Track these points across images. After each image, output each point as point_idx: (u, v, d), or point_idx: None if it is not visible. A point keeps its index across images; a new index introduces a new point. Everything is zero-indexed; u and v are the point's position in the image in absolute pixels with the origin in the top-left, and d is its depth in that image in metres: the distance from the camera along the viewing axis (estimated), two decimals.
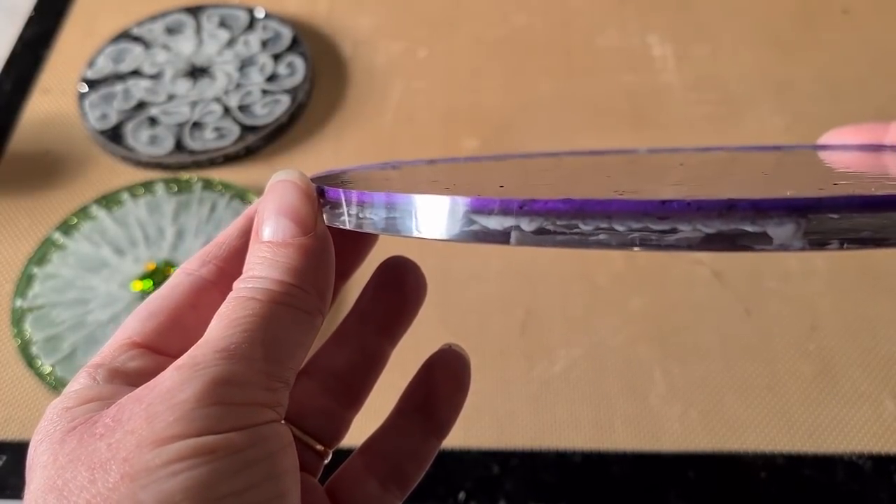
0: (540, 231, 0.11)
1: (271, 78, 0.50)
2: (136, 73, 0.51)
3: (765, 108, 0.49)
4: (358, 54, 0.52)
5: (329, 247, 0.16)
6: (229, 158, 0.47)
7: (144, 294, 0.41)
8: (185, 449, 0.12)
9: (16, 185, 0.47)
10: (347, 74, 0.51)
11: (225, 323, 0.14)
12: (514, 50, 0.52)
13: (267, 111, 0.48)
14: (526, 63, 0.51)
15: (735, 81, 0.50)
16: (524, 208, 0.11)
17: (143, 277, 0.41)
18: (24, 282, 0.41)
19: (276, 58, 0.51)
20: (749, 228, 0.10)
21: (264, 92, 0.49)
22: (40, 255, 0.42)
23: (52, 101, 0.51)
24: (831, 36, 0.52)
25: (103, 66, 0.51)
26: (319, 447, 0.19)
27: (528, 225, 0.11)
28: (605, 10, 0.54)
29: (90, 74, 0.51)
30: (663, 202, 0.11)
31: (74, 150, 0.48)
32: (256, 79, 0.50)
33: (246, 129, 0.47)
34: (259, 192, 0.45)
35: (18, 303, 0.40)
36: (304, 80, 0.49)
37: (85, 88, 0.50)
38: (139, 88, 0.50)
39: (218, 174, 0.46)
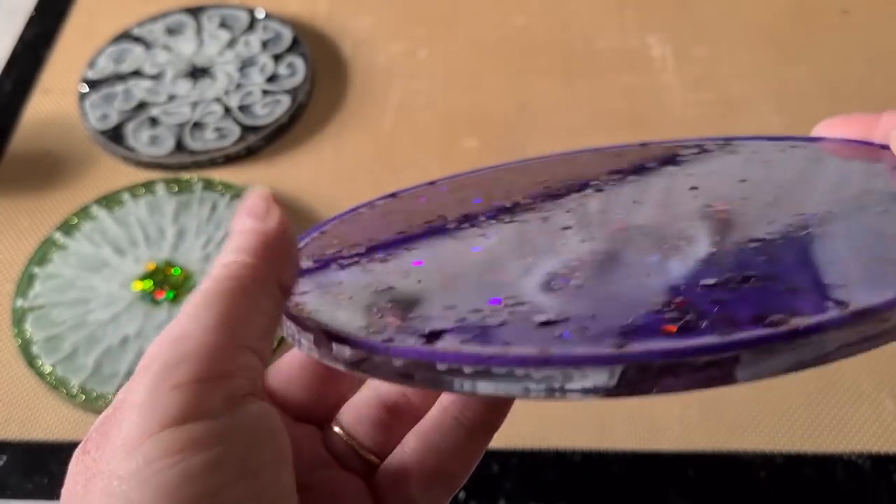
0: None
1: (272, 78, 0.50)
2: (136, 73, 0.51)
3: (763, 108, 0.49)
4: (358, 55, 0.53)
5: (281, 224, 0.15)
6: (230, 158, 0.47)
7: (145, 294, 0.41)
8: (154, 450, 0.12)
9: (16, 185, 0.47)
10: (347, 75, 0.52)
11: (182, 309, 0.14)
12: (513, 50, 0.52)
13: (267, 111, 0.48)
14: (525, 63, 0.52)
15: (734, 82, 0.50)
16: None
17: (144, 277, 0.41)
18: (25, 282, 0.41)
19: (277, 58, 0.51)
20: (574, 373, 0.12)
21: (265, 92, 0.49)
22: (41, 255, 0.42)
23: (52, 101, 0.51)
24: (830, 36, 0.52)
25: (104, 66, 0.51)
26: (374, 459, 0.18)
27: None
28: (604, 11, 0.54)
29: (91, 75, 0.51)
30: (491, 357, 0.12)
31: (75, 151, 0.48)
32: (257, 79, 0.50)
33: (246, 130, 0.47)
34: None
35: (19, 303, 0.40)
36: (305, 80, 0.49)
37: (86, 89, 0.50)
38: (140, 89, 0.50)
39: (218, 174, 0.46)
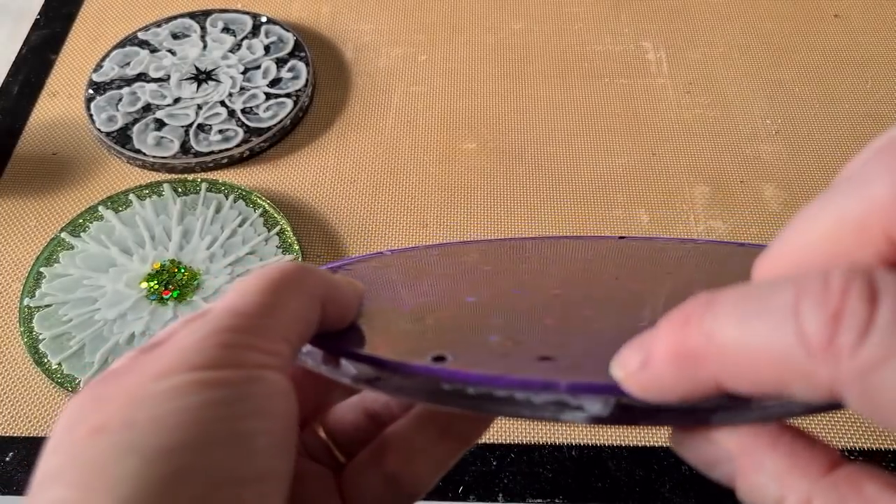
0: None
1: (275, 82, 0.51)
2: (142, 76, 0.52)
3: (757, 110, 0.50)
4: (359, 59, 0.53)
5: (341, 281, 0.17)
6: (234, 160, 0.48)
7: (151, 293, 0.41)
8: (183, 380, 0.13)
9: (24, 186, 0.47)
10: (349, 79, 0.52)
11: (237, 289, 0.15)
12: (511, 55, 0.53)
13: (270, 114, 0.49)
14: (523, 68, 0.52)
15: (727, 85, 0.51)
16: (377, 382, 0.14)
17: (150, 277, 0.42)
18: (33, 281, 0.42)
19: (280, 62, 0.52)
20: (570, 401, 0.13)
21: (268, 95, 0.50)
22: (48, 255, 0.43)
23: (59, 104, 0.52)
24: (822, 40, 0.53)
25: (110, 69, 0.52)
26: (341, 457, 0.19)
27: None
28: (600, 17, 0.55)
29: (97, 78, 0.51)
30: (495, 378, 0.13)
31: (82, 153, 0.49)
32: (260, 83, 0.51)
33: (250, 132, 0.48)
34: (263, 193, 0.46)
35: (27, 301, 0.41)
36: (307, 84, 0.50)
37: (92, 92, 0.51)
38: (145, 92, 0.51)
39: (223, 176, 0.47)
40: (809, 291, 0.10)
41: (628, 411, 0.12)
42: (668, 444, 0.35)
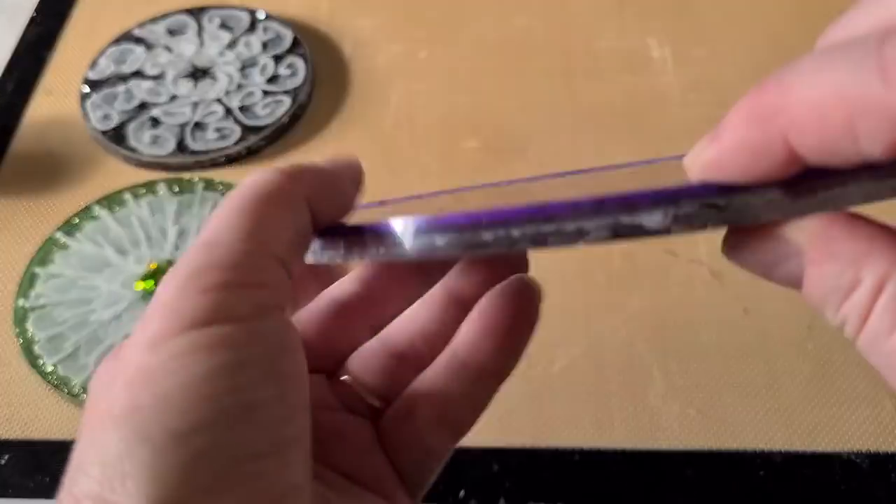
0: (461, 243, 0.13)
1: (272, 79, 0.50)
2: (138, 74, 0.51)
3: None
4: (358, 56, 0.53)
5: (314, 166, 0.16)
6: (231, 159, 0.47)
7: (147, 293, 0.41)
8: (180, 347, 0.12)
9: (18, 185, 0.47)
10: (348, 76, 0.52)
11: (209, 220, 0.14)
12: (514, 52, 0.53)
13: (268, 112, 0.48)
14: (526, 64, 0.52)
15: (733, 83, 0.50)
16: (432, 225, 0.13)
17: (146, 277, 0.41)
18: (27, 282, 0.41)
19: (277, 59, 0.51)
20: (625, 220, 0.12)
21: (265, 93, 0.49)
22: (42, 255, 0.42)
23: (54, 102, 0.51)
24: None
25: (105, 67, 0.51)
26: (379, 404, 0.18)
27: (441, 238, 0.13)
28: (604, 13, 0.54)
29: (92, 75, 0.51)
30: (542, 207, 0.12)
31: (77, 151, 0.48)
32: (258, 80, 0.50)
33: (247, 130, 0.47)
34: None
35: (21, 302, 0.41)
36: (305, 81, 0.50)
37: (87, 89, 0.50)
38: (141, 89, 0.50)
39: (220, 175, 0.46)
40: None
41: (689, 218, 0.12)
42: (672, 447, 0.35)
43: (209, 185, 0.45)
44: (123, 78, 0.51)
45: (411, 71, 0.52)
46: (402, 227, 0.14)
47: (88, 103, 0.49)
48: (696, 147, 0.12)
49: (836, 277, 0.11)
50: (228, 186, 0.45)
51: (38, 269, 0.42)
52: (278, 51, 0.51)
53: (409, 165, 0.47)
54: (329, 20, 0.55)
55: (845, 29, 0.12)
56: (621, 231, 0.12)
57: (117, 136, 0.48)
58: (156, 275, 0.41)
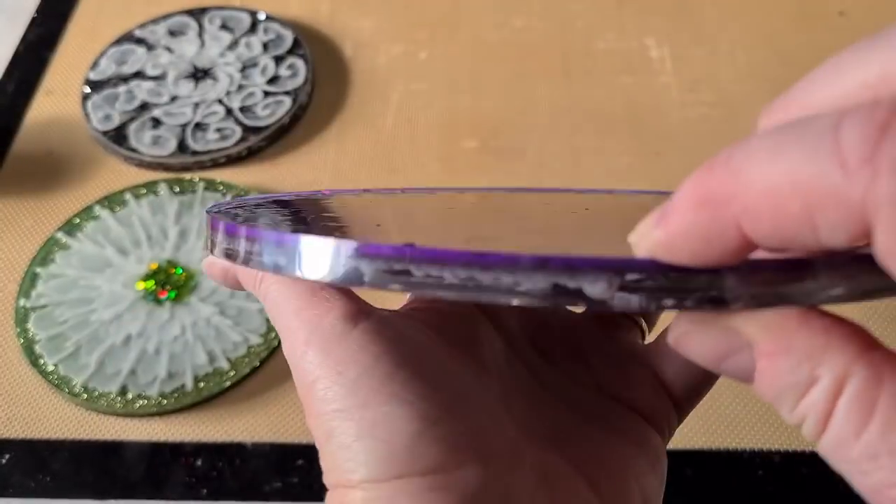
0: (384, 273, 0.12)
1: (273, 80, 0.50)
2: (138, 74, 0.51)
3: (760, 109, 0.49)
4: (358, 56, 0.53)
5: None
6: (231, 159, 0.47)
7: (147, 293, 0.41)
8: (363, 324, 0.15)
9: (20, 185, 0.47)
10: (348, 76, 0.52)
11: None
12: (513, 52, 0.53)
13: (269, 112, 0.48)
14: (525, 65, 0.52)
15: (731, 83, 0.50)
16: (360, 252, 0.12)
17: (147, 277, 0.41)
18: (28, 281, 0.41)
19: (278, 60, 0.51)
20: (567, 283, 0.11)
21: (266, 93, 0.49)
22: (44, 255, 0.42)
23: (55, 102, 0.51)
24: (827, 38, 0.52)
25: (106, 67, 0.51)
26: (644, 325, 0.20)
27: (368, 267, 0.12)
28: (603, 13, 0.54)
29: (93, 76, 0.51)
30: (482, 254, 0.11)
31: (78, 151, 0.49)
32: (258, 80, 0.50)
33: (248, 131, 0.48)
34: (261, 192, 0.46)
35: (22, 302, 0.41)
36: (306, 81, 0.50)
37: (88, 90, 0.50)
38: (142, 90, 0.50)
39: (220, 175, 0.47)
40: (855, 112, 0.09)
41: (635, 290, 0.11)
42: (671, 447, 0.35)
43: (210, 185, 0.45)
44: (124, 78, 0.51)
45: (411, 72, 0.52)
46: (328, 249, 0.13)
47: (89, 104, 0.49)
48: (642, 225, 0.11)
49: (791, 373, 0.10)
50: (229, 186, 0.45)
51: (39, 269, 0.42)
52: (279, 51, 0.52)
53: (409, 165, 0.47)
54: (329, 21, 0.55)
55: (796, 103, 0.11)
56: (560, 294, 0.11)
57: (118, 136, 0.48)
58: (156, 275, 0.42)
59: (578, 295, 0.11)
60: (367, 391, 0.14)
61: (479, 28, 0.54)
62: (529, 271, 0.11)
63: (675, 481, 0.35)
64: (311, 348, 0.15)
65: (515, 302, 0.11)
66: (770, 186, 0.09)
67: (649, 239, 0.11)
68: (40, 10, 0.56)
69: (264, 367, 0.38)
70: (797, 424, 0.11)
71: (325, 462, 0.15)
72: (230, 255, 0.14)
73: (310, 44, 0.53)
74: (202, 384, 0.38)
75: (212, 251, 0.15)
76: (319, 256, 0.13)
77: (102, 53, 0.52)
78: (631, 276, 0.11)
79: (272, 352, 0.38)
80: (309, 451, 0.36)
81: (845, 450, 0.10)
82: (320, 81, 0.52)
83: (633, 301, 0.11)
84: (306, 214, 0.19)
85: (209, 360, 0.38)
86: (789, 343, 0.11)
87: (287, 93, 0.49)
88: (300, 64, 0.51)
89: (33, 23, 0.56)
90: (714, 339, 0.11)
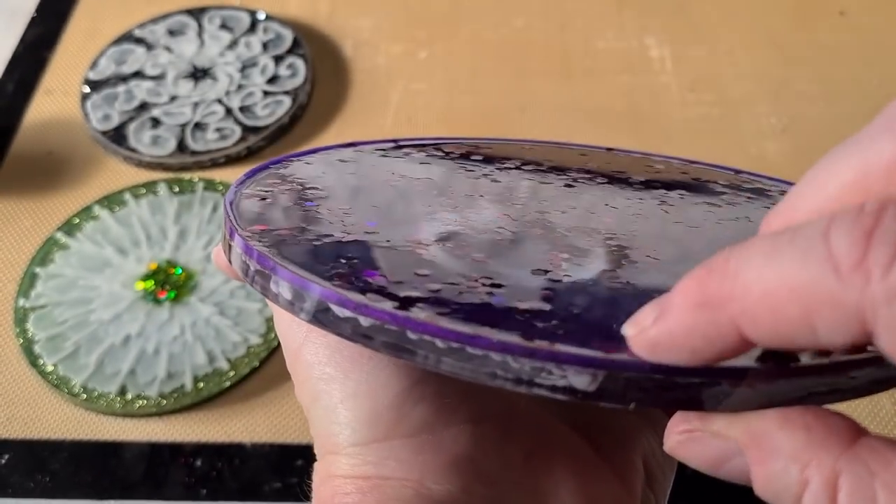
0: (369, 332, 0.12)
1: (272, 79, 0.50)
2: (138, 74, 0.51)
3: (761, 108, 0.49)
4: (358, 56, 0.53)
5: None
6: (231, 159, 0.47)
7: (147, 293, 0.41)
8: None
9: (19, 185, 0.47)
10: (348, 76, 0.52)
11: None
12: (513, 52, 0.53)
13: (268, 112, 0.48)
14: (525, 64, 0.52)
15: (732, 82, 0.50)
16: (358, 310, 0.12)
17: (146, 277, 0.41)
18: (27, 281, 0.41)
19: (278, 59, 0.51)
20: (554, 370, 0.11)
21: (265, 93, 0.49)
22: (43, 255, 0.42)
23: (54, 102, 0.51)
24: (828, 37, 0.52)
25: (106, 67, 0.51)
26: None
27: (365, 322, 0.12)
28: (603, 13, 0.54)
29: (93, 76, 0.51)
30: (471, 337, 0.12)
31: (77, 151, 0.48)
32: (258, 80, 0.50)
33: (247, 130, 0.47)
34: None
35: (21, 302, 0.41)
36: (305, 81, 0.50)
37: (87, 89, 0.50)
38: (141, 90, 0.50)
39: (220, 175, 0.46)
40: (841, 218, 0.10)
41: (621, 385, 0.11)
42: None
43: (209, 185, 0.45)
44: (124, 78, 0.51)
45: (411, 71, 0.52)
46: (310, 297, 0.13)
47: (89, 103, 0.49)
48: (637, 318, 0.11)
49: (782, 477, 0.10)
50: (228, 187, 0.45)
51: (38, 269, 0.42)
52: (278, 51, 0.51)
53: None
54: (329, 21, 0.55)
55: (789, 211, 0.11)
56: (539, 385, 0.11)
57: (118, 136, 0.48)
58: (156, 275, 0.41)
59: (564, 388, 0.11)
60: (351, 351, 0.14)
61: (479, 27, 0.54)
62: (521, 358, 0.11)
63: (675, 481, 0.35)
64: None
65: (496, 384, 0.12)
66: (767, 291, 0.10)
67: (646, 336, 0.11)
68: (39, 10, 0.56)
69: (264, 368, 0.38)
70: None
71: (312, 430, 0.15)
72: (244, 270, 0.14)
73: (309, 43, 0.53)
74: (201, 384, 0.37)
75: (229, 259, 0.15)
76: (326, 313, 0.13)
77: (102, 53, 0.52)
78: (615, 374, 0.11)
79: (272, 352, 0.38)
80: (308, 451, 0.36)
81: None
82: (320, 81, 0.51)
83: (613, 395, 0.11)
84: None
85: (208, 360, 0.38)
86: (772, 445, 0.11)
87: (287, 92, 0.49)
88: (300, 63, 0.51)
89: (32, 22, 0.56)
90: (708, 448, 0.11)
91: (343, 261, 0.14)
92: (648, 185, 0.21)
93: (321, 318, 0.13)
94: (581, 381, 0.11)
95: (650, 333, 0.11)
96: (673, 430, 0.12)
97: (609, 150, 0.22)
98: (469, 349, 0.12)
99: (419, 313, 0.12)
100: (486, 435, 0.15)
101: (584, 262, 0.15)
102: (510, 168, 0.20)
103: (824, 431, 0.10)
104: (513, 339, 0.12)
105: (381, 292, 0.13)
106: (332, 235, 0.15)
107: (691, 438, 0.12)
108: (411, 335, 0.12)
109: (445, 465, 0.14)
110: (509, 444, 0.15)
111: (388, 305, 0.12)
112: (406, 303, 0.13)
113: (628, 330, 0.11)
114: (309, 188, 0.18)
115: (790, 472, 0.10)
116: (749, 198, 0.20)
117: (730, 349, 0.10)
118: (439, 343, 0.12)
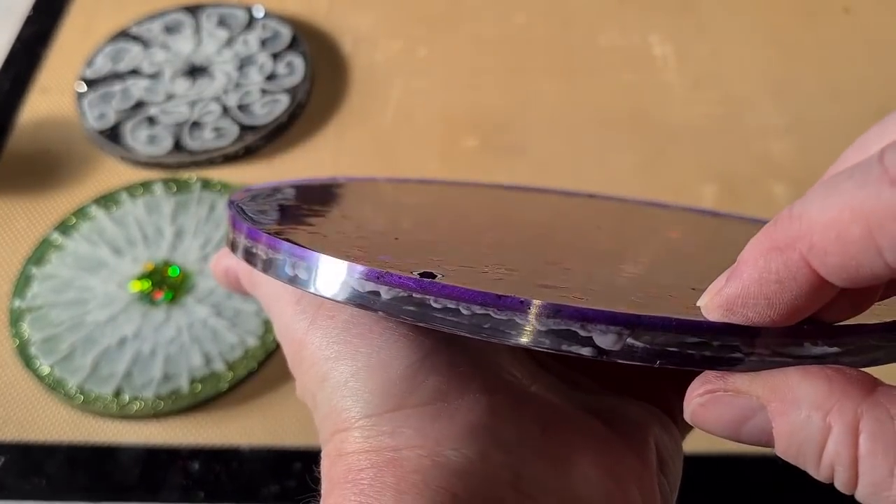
0: (395, 301, 0.12)
1: (270, 77, 0.49)
2: (134, 72, 0.50)
3: (765, 106, 0.48)
4: (357, 53, 0.52)
5: None
6: (228, 158, 0.47)
7: (143, 294, 0.40)
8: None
9: (14, 185, 0.46)
10: (347, 73, 0.51)
11: None
12: (514, 49, 0.52)
13: (266, 111, 0.48)
14: (526, 62, 0.51)
15: (735, 81, 0.50)
16: (380, 279, 0.12)
17: (142, 277, 0.41)
18: (23, 282, 0.41)
19: (276, 57, 0.51)
20: (578, 331, 0.11)
21: (263, 91, 0.49)
22: (38, 256, 0.42)
23: (50, 100, 0.51)
24: (832, 35, 0.52)
25: (102, 65, 0.51)
26: None
27: (386, 294, 0.12)
28: (605, 10, 0.54)
29: (89, 74, 0.50)
30: (499, 296, 0.12)
31: (73, 150, 0.48)
32: (255, 78, 0.50)
33: (245, 129, 0.47)
34: None
35: (17, 303, 0.40)
36: (304, 79, 0.49)
37: (83, 88, 0.50)
38: (138, 88, 0.50)
39: (217, 174, 0.46)
40: (892, 144, 0.10)
41: (645, 340, 0.11)
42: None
43: (206, 184, 0.45)
44: (120, 76, 0.50)
45: (411, 68, 0.51)
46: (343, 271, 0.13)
47: (85, 102, 0.49)
48: (711, 287, 0.11)
49: (805, 426, 0.11)
50: (226, 186, 0.45)
51: (33, 270, 0.41)
52: (276, 49, 0.51)
53: (409, 164, 0.47)
54: (327, 17, 0.54)
55: (842, 166, 0.12)
56: (570, 340, 0.11)
57: (114, 135, 0.47)
58: (152, 275, 0.41)
59: (588, 342, 0.11)
60: (361, 329, 0.14)
61: (479, 24, 0.54)
62: (543, 317, 0.11)
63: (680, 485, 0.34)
64: (301, 304, 0.15)
65: (527, 343, 0.12)
66: (831, 219, 0.10)
67: (724, 294, 0.11)
68: (35, 8, 0.56)
69: (261, 370, 0.38)
70: (829, 480, 0.11)
71: (320, 412, 0.15)
72: (250, 259, 0.14)
73: (308, 40, 0.52)
74: (198, 386, 0.37)
75: (233, 250, 0.15)
76: (337, 277, 0.13)
77: (98, 51, 0.52)
78: (637, 334, 0.11)
79: (269, 354, 0.38)
80: (306, 454, 0.36)
81: (886, 491, 0.10)
82: (318, 79, 0.51)
83: (637, 353, 0.11)
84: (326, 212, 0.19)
85: (205, 362, 0.38)
86: (795, 396, 0.11)
87: (285, 90, 0.49)
88: (298, 61, 0.50)
89: (28, 20, 0.55)
90: (729, 408, 0.12)
91: (357, 248, 0.14)
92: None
93: (343, 291, 0.13)
94: (606, 340, 0.11)
95: (725, 292, 0.11)
96: (694, 394, 0.12)
97: (591, 196, 0.23)
98: (494, 312, 0.12)
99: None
100: (501, 404, 0.14)
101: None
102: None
103: (844, 381, 0.11)
104: (537, 300, 0.12)
105: (401, 266, 0.13)
106: (342, 233, 0.16)
107: (713, 399, 0.12)
108: (435, 301, 0.12)
109: (462, 431, 0.14)
110: (526, 415, 0.15)
111: (411, 274, 0.12)
112: (426, 276, 0.13)
113: (702, 300, 0.12)
114: (305, 208, 0.19)
115: (813, 420, 0.11)
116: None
117: (805, 294, 0.10)
118: (463, 309, 0.12)
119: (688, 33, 0.52)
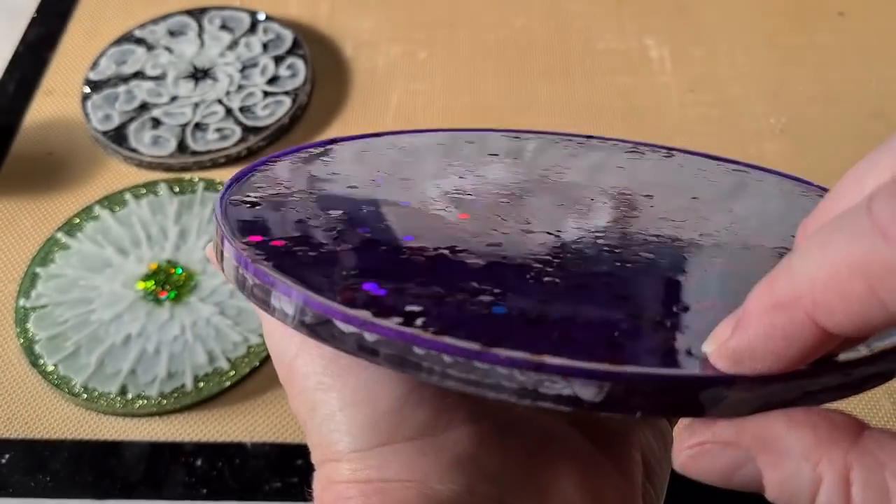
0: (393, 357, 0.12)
1: (272, 80, 0.50)
2: (138, 74, 0.51)
3: (760, 109, 0.49)
4: (358, 56, 0.53)
5: None
6: (231, 159, 0.47)
7: (147, 293, 0.41)
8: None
9: (19, 186, 0.47)
10: (348, 76, 0.52)
11: None
12: (513, 52, 0.53)
13: (268, 112, 0.48)
14: (525, 65, 0.52)
15: (731, 83, 0.50)
16: (365, 326, 0.12)
17: (146, 277, 0.41)
18: (28, 281, 0.41)
19: (278, 60, 0.51)
20: (559, 386, 0.11)
21: (266, 94, 0.49)
22: (44, 255, 0.42)
23: (55, 102, 0.51)
24: (827, 38, 0.52)
25: (106, 67, 0.51)
26: None
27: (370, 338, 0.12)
28: (602, 13, 0.54)
29: (93, 76, 0.51)
30: (478, 353, 0.12)
31: (78, 152, 0.49)
32: (258, 81, 0.50)
33: (248, 131, 0.48)
34: None
35: (22, 302, 0.41)
36: (305, 81, 0.50)
37: (88, 90, 0.50)
38: (142, 90, 0.50)
39: (220, 175, 0.47)
40: (879, 190, 0.10)
41: (627, 394, 0.11)
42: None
43: (210, 185, 0.45)
44: (124, 78, 0.51)
45: (411, 71, 0.52)
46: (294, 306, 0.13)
47: (89, 104, 0.49)
48: (715, 334, 0.12)
49: (795, 477, 0.11)
50: None
51: (39, 269, 0.42)
52: (279, 52, 0.52)
53: None
54: (329, 21, 0.55)
55: (824, 214, 0.12)
56: (545, 397, 0.11)
57: (118, 136, 0.48)
58: (156, 275, 0.42)
59: (569, 398, 0.11)
60: (349, 360, 0.14)
61: (478, 28, 0.54)
62: (529, 373, 0.11)
63: (674, 481, 0.35)
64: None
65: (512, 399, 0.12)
66: (829, 275, 0.10)
67: (727, 348, 0.11)
68: (40, 10, 0.56)
69: (264, 367, 0.38)
70: None
71: (310, 439, 0.15)
72: (239, 282, 0.14)
73: (309, 44, 0.53)
74: (202, 384, 0.38)
75: (221, 268, 0.15)
76: (322, 324, 0.13)
77: (102, 53, 0.52)
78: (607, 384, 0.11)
79: None
80: (308, 451, 0.36)
81: None
82: (320, 81, 0.52)
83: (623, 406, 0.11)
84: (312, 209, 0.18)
85: (209, 359, 0.38)
86: (783, 446, 0.11)
87: (287, 93, 0.49)
88: (300, 64, 0.51)
89: (33, 22, 0.56)
90: (719, 459, 0.12)
91: (343, 273, 0.14)
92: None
93: (322, 332, 0.13)
94: (587, 392, 0.11)
95: (730, 345, 0.11)
96: (683, 447, 0.12)
97: (588, 137, 0.23)
98: (476, 363, 0.12)
99: (424, 332, 0.12)
100: (487, 434, 0.15)
101: (590, 217, 0.15)
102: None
103: (830, 428, 0.11)
104: (519, 354, 0.12)
105: (384, 305, 0.13)
106: (326, 245, 0.15)
107: (702, 451, 0.12)
108: (417, 350, 0.12)
109: (448, 465, 0.14)
110: (511, 443, 0.15)
111: (393, 322, 0.12)
112: (410, 317, 0.12)
113: (707, 347, 0.12)
114: (297, 192, 0.18)
115: (803, 471, 0.10)
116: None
117: (811, 346, 0.11)
118: (446, 358, 0.12)
119: (684, 36, 0.53)
